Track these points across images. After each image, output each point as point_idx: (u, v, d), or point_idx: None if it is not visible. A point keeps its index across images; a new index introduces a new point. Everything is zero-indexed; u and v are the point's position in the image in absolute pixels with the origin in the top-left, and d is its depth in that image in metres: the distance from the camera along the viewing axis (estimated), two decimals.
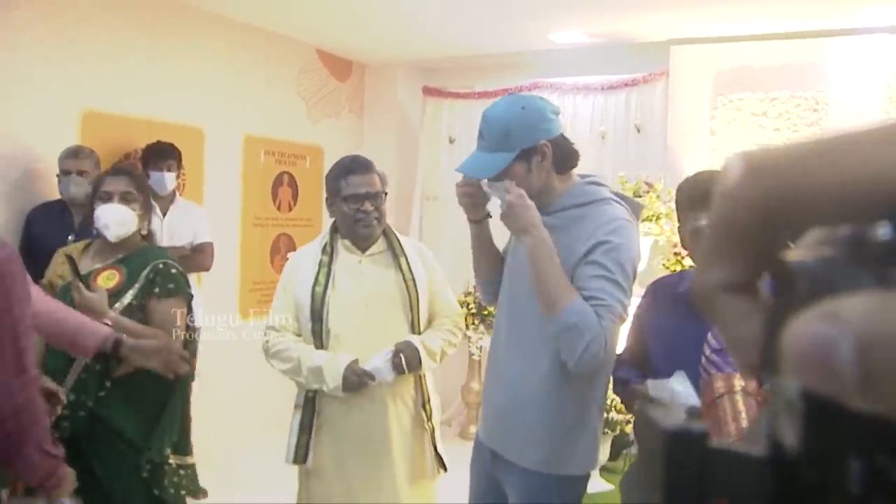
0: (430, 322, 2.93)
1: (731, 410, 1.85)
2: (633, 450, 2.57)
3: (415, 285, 2.86)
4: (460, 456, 3.20)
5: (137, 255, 2.75)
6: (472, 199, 2.35)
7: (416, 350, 2.75)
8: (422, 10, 5.01)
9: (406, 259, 2.89)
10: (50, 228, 3.87)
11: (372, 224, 2.82)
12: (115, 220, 2.71)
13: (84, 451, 2.50)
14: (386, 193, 2.95)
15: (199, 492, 2.78)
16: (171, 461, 2.67)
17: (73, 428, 2.52)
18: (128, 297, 2.64)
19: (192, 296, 2.78)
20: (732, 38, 5.31)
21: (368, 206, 2.79)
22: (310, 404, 2.78)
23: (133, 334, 2.50)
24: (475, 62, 6.34)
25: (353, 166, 2.83)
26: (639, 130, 5.76)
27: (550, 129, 2.19)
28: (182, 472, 2.71)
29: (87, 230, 3.89)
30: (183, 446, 2.75)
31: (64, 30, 4.33)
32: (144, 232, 2.81)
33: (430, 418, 2.92)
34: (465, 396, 6.02)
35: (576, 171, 2.34)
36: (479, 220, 2.44)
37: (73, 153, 3.97)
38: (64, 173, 3.94)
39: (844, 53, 5.03)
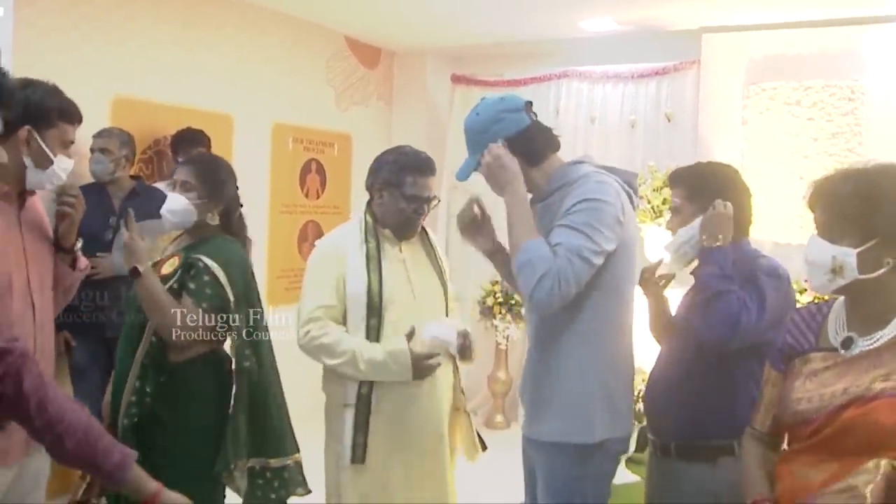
0: None
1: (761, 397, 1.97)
2: None
3: (445, 274, 2.94)
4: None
5: (200, 244, 2.72)
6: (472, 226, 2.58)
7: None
8: None
9: (435, 250, 2.95)
10: (87, 213, 3.85)
11: (420, 222, 2.86)
12: (169, 208, 2.72)
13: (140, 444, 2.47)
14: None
15: (289, 494, 2.74)
16: (251, 465, 2.64)
17: (140, 414, 2.56)
18: (170, 283, 2.63)
19: (212, 299, 2.60)
20: (765, 26, 5.23)
21: (426, 209, 2.82)
22: (364, 402, 2.70)
23: (155, 294, 2.54)
24: (504, 50, 6.31)
25: (423, 167, 2.79)
26: (669, 119, 5.69)
27: (504, 129, 2.30)
28: (269, 474, 2.67)
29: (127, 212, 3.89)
30: (266, 449, 2.69)
31: (95, 17, 4.36)
32: (214, 221, 2.73)
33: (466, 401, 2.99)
34: (491, 386, 6.01)
35: (603, 158, 2.43)
36: (491, 252, 2.62)
37: (99, 133, 4.00)
38: (91, 152, 3.98)
39: (881, 41, 4.93)
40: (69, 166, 2.29)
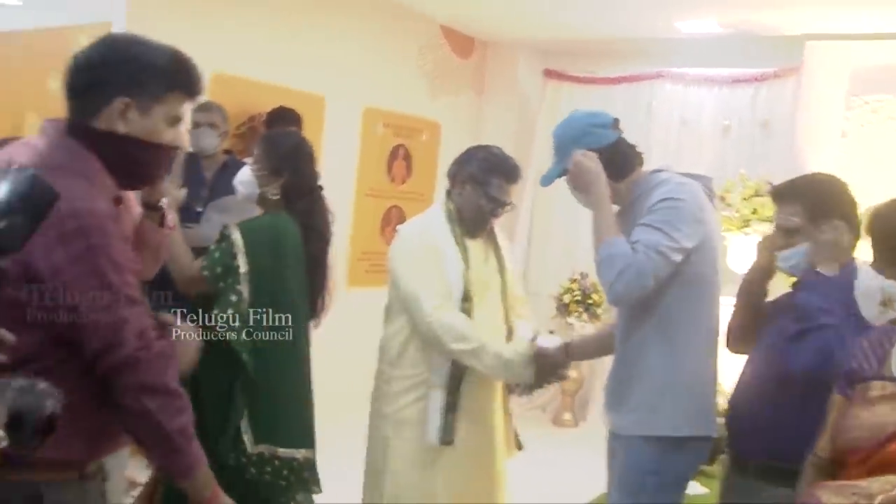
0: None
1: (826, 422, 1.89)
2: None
3: (505, 272, 2.95)
4: (550, 442, 3.20)
5: (255, 217, 2.80)
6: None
7: None
8: None
9: (500, 249, 2.97)
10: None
11: (491, 223, 2.91)
12: (237, 178, 2.86)
13: None
14: None
15: (298, 491, 2.70)
16: (260, 451, 2.59)
17: None
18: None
19: (214, 262, 2.61)
20: (872, 36, 5.05)
21: (501, 212, 2.85)
22: (455, 383, 2.73)
23: (172, 245, 2.49)
24: (599, 47, 6.24)
25: (511, 172, 2.82)
26: (765, 127, 5.55)
27: (591, 143, 2.38)
28: (277, 463, 2.63)
29: (222, 185, 3.96)
30: (274, 436, 2.62)
31: None
32: (274, 196, 2.77)
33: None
34: (561, 383, 5.97)
35: (694, 163, 2.42)
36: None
37: (204, 107, 4.02)
38: (194, 126, 3.99)
39: None
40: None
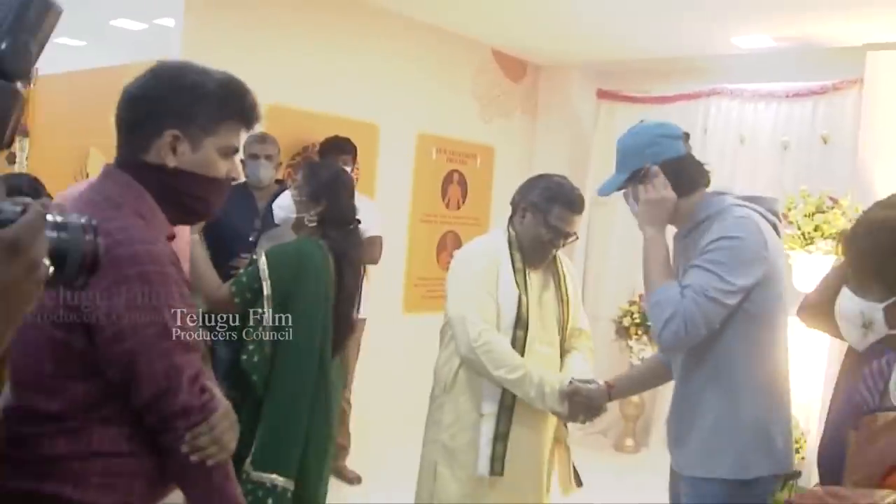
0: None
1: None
2: (800, 481, 2.47)
3: (568, 304, 2.89)
4: (611, 468, 3.13)
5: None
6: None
7: None
8: (599, 11, 4.94)
9: (564, 279, 2.91)
10: (234, 213, 3.74)
11: (551, 254, 2.86)
12: (277, 203, 2.97)
13: None
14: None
15: None
16: (245, 470, 2.58)
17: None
18: None
19: (239, 285, 2.72)
20: None
21: (562, 242, 2.81)
22: (507, 413, 2.70)
23: (193, 262, 2.61)
24: (652, 66, 6.18)
25: (574, 203, 2.78)
26: (825, 141, 5.42)
27: (659, 153, 2.30)
28: (249, 486, 2.59)
29: (272, 215, 3.99)
30: (261, 461, 2.63)
31: (255, 30, 4.56)
32: (311, 223, 2.85)
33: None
34: (623, 408, 5.87)
35: (752, 181, 2.35)
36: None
37: (261, 138, 4.05)
38: (251, 157, 4.01)
39: None
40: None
